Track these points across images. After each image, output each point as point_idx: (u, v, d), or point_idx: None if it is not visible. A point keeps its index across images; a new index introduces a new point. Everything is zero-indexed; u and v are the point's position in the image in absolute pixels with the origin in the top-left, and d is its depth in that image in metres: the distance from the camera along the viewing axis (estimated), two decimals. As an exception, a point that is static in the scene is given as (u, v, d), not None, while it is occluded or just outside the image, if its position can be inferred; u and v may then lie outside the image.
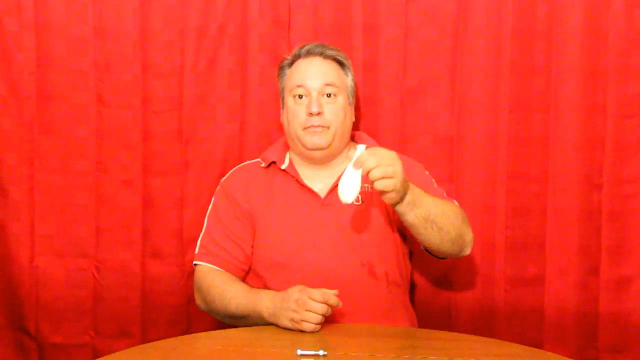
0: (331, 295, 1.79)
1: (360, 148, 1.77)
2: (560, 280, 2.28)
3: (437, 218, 1.86)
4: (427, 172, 2.12)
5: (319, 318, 1.78)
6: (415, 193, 1.81)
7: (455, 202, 2.04)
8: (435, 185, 2.09)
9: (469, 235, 1.98)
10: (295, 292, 1.81)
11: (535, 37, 2.26)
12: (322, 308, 1.78)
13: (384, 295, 1.99)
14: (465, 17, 2.26)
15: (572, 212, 2.27)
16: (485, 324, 2.30)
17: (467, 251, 1.99)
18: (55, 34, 2.28)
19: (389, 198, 1.76)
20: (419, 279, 2.27)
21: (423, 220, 1.84)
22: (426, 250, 2.00)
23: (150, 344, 1.81)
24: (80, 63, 2.29)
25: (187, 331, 2.34)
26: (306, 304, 1.78)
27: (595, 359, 2.29)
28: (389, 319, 1.97)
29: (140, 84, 2.28)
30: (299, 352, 1.64)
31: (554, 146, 2.27)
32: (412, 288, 2.13)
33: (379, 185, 1.72)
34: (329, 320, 1.83)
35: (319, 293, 1.78)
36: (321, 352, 1.62)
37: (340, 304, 1.80)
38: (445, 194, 2.07)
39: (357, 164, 1.72)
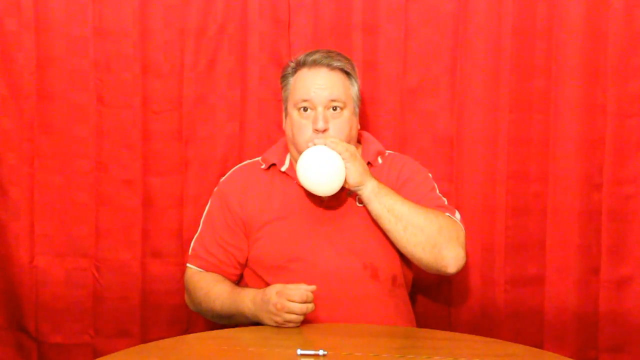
0: (309, 293, 1.79)
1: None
2: (560, 280, 2.28)
3: (404, 216, 1.88)
4: (431, 178, 2.08)
5: (300, 318, 1.80)
6: (381, 186, 1.91)
7: (456, 216, 1.98)
8: (438, 193, 2.04)
9: (449, 251, 1.89)
10: (273, 296, 1.80)
11: (535, 37, 2.26)
12: (302, 309, 1.78)
13: (387, 297, 1.98)
14: (465, 17, 2.26)
15: (572, 212, 2.27)
16: (485, 324, 2.30)
17: (449, 269, 1.90)
18: (55, 34, 2.28)
19: (351, 175, 1.88)
20: (419, 279, 2.27)
21: (387, 212, 1.88)
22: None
23: (150, 344, 1.81)
24: (80, 63, 2.28)
25: (187, 331, 2.34)
26: (285, 307, 1.78)
27: (595, 359, 2.29)
28: (390, 320, 1.97)
29: (140, 84, 2.28)
30: (299, 352, 1.64)
31: (554, 146, 2.27)
32: (412, 288, 2.13)
33: (330, 144, 1.89)
34: (330, 321, 1.84)
35: (297, 294, 1.78)
36: (321, 352, 1.62)
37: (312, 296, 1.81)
38: (444, 203, 2.01)
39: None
